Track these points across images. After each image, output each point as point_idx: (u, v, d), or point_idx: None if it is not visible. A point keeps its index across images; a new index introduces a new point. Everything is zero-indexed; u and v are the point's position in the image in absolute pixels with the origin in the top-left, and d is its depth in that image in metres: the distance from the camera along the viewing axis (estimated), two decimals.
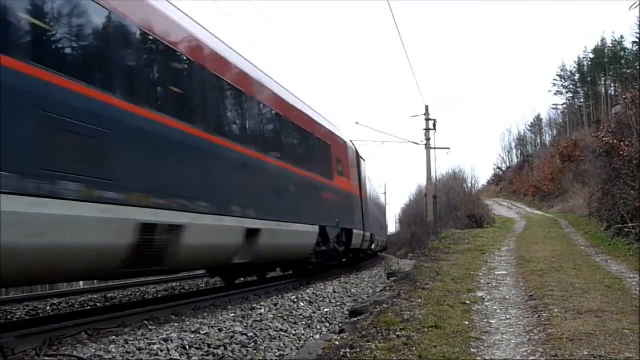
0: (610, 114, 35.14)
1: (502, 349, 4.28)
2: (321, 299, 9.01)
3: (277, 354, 5.37)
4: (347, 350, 4.23)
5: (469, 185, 43.91)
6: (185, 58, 7.20)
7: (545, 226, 22.76)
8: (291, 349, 5.59)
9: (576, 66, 65.90)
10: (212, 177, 7.45)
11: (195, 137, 7.11)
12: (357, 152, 17.15)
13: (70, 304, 9.70)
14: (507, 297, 6.88)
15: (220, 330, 5.73)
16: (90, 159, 5.16)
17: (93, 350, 4.67)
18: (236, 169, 8.26)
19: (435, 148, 28.16)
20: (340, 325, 6.35)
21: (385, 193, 49.03)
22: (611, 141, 15.41)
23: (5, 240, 4.21)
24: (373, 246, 20.56)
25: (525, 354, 4.11)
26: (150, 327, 6.10)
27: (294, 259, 11.47)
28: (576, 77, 66.19)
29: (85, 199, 5.00)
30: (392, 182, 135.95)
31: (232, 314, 6.78)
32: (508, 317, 5.62)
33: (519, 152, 70.20)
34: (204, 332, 5.52)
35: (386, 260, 23.80)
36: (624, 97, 19.00)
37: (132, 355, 4.60)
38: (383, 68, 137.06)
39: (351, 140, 16.68)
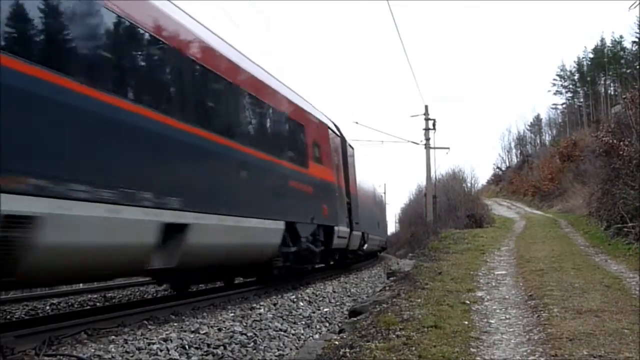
0: (609, 113, 35.21)
1: (502, 349, 4.28)
2: (320, 298, 9.01)
3: (277, 353, 5.36)
4: (347, 350, 4.22)
5: (469, 185, 44.09)
6: None
7: (545, 226, 22.78)
8: (290, 349, 5.59)
9: (576, 66, 66.00)
10: (95, 150, 5.36)
11: (67, 91, 4.98)
12: (342, 138, 15.13)
13: (69, 303, 9.70)
14: (507, 296, 6.88)
15: (219, 330, 5.72)
16: None
17: (92, 350, 4.67)
18: (143, 142, 6.12)
19: (434, 148, 28.22)
20: (340, 325, 6.35)
21: (385, 193, 48.88)
22: (611, 141, 15.40)
23: None
24: (365, 246, 17.88)
25: (524, 353, 4.11)
26: (149, 326, 6.11)
27: (249, 262, 9.44)
28: (576, 77, 66.20)
29: None
30: (392, 182, 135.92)
31: (232, 314, 6.77)
32: (507, 316, 5.62)
33: (519, 151, 70.31)
34: (204, 331, 5.52)
35: (385, 260, 23.81)
36: (623, 96, 19.00)
37: (131, 355, 4.60)
38: (382, 67, 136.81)
39: (335, 124, 14.69)
